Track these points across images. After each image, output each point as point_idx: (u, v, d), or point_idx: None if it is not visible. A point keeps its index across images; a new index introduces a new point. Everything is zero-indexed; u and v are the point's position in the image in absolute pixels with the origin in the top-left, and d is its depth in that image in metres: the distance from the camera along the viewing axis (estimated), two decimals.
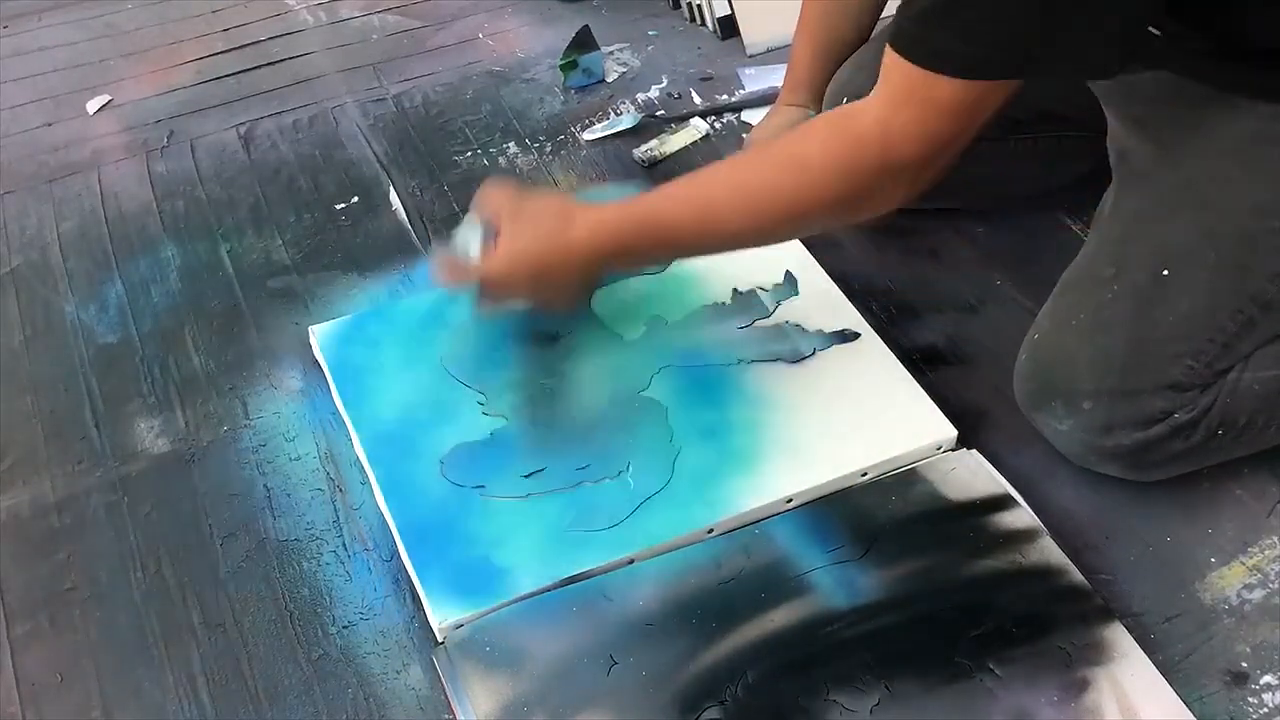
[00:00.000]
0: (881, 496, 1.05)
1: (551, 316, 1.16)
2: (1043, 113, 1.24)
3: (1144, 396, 0.99)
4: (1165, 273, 0.99)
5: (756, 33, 1.68)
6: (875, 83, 1.26)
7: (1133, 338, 1.00)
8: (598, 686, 0.93)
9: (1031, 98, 1.21)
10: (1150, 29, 0.97)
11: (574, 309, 1.14)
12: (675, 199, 1.04)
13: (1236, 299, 0.99)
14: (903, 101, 0.93)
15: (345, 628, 1.02)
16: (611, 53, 1.69)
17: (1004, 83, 0.91)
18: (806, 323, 1.19)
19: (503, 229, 1.06)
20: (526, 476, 1.07)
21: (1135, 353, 0.99)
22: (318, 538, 1.09)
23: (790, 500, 1.05)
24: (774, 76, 1.62)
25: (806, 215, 1.02)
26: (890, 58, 0.93)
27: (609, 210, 1.04)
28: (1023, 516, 1.03)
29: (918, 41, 0.91)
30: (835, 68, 1.32)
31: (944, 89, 0.90)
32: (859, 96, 1.26)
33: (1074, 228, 1.33)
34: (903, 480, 1.07)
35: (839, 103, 1.30)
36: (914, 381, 1.14)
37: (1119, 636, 0.95)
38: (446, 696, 0.96)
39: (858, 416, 1.11)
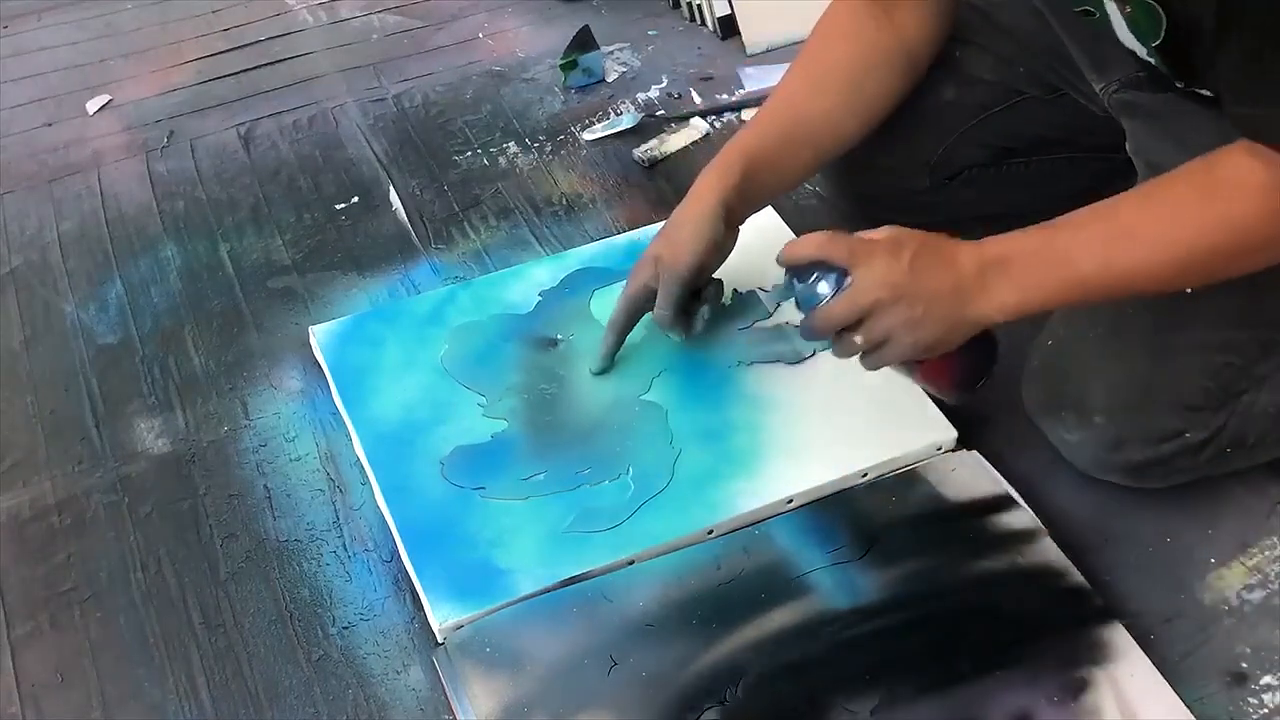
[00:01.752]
0: (882, 497, 1.05)
1: (944, 382, 1.03)
2: (1036, 140, 1.23)
3: (1158, 415, 0.99)
4: (1188, 290, 0.98)
5: (756, 33, 1.68)
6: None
7: (1151, 356, 0.99)
8: (598, 687, 0.93)
9: (1025, 127, 1.22)
10: (1201, 91, 0.97)
11: (960, 360, 0.99)
12: (1074, 225, 0.93)
13: (1258, 322, 0.98)
14: None
15: (345, 628, 1.02)
16: (611, 53, 1.69)
17: None
18: None
19: (885, 234, 0.96)
20: (527, 478, 1.07)
21: (1153, 371, 0.98)
22: (318, 538, 1.09)
23: (790, 501, 1.05)
24: (774, 76, 1.61)
25: (1231, 255, 0.89)
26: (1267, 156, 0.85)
27: (1003, 236, 0.94)
28: (1023, 517, 1.03)
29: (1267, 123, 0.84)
30: (781, 180, 1.15)
31: None
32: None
33: None
34: (903, 481, 1.07)
35: None
36: None
37: (1119, 636, 0.95)
38: (446, 697, 0.96)
39: (858, 417, 1.11)
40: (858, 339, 0.95)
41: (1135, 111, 1.08)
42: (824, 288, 0.95)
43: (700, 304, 1.13)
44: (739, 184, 1.07)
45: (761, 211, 1.31)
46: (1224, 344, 0.98)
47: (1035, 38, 1.17)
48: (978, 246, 0.93)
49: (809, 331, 0.98)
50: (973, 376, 1.01)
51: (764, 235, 1.29)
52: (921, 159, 1.23)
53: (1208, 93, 1.00)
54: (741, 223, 1.10)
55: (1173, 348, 0.98)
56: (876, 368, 0.98)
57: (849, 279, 0.94)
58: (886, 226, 0.97)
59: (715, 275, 1.13)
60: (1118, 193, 1.05)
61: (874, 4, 1.10)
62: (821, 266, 0.95)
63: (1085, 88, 1.14)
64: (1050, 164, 1.26)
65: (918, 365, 0.99)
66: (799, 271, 0.97)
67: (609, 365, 1.15)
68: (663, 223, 1.12)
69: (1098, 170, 1.16)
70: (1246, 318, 0.98)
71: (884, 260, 0.93)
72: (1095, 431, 1.01)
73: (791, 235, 1.29)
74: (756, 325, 1.20)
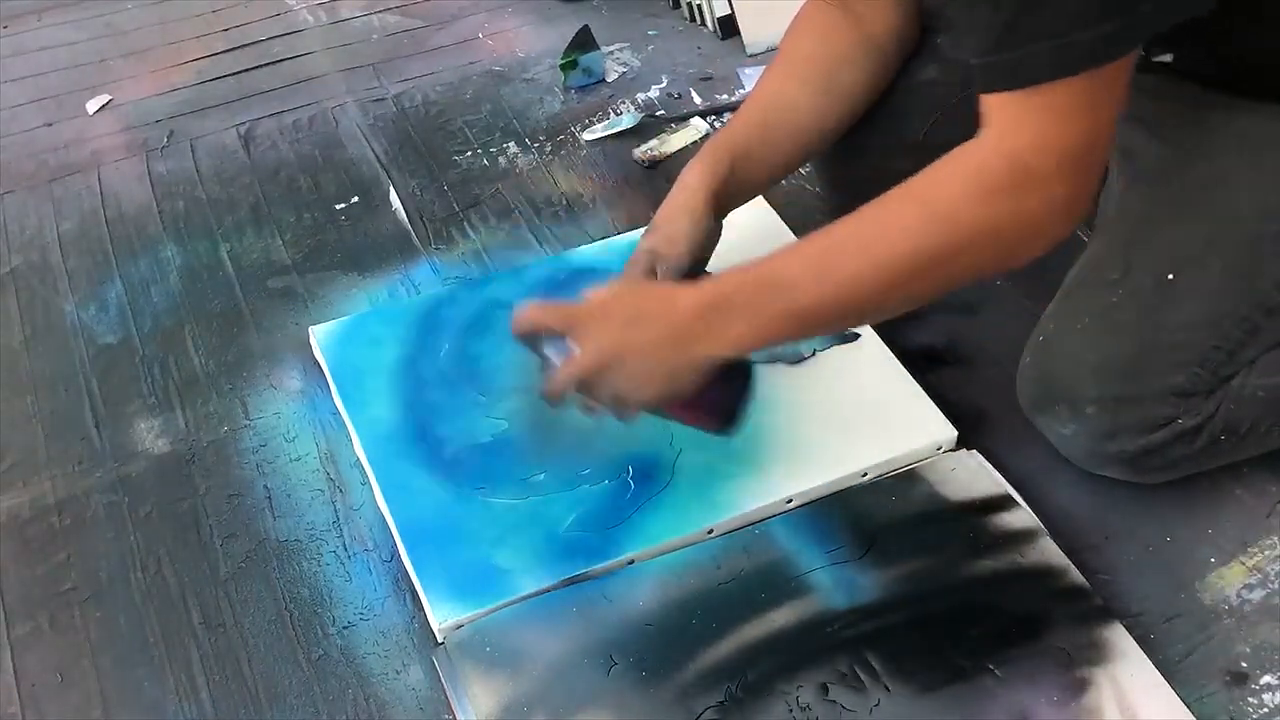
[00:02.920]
0: (881, 497, 1.05)
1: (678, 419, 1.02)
2: None
3: (1148, 402, 0.99)
4: (1171, 277, 0.99)
5: (756, 33, 1.68)
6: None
7: (1138, 343, 0.99)
8: (598, 686, 0.93)
9: None
10: (1159, 58, 0.97)
11: (699, 406, 0.98)
12: (788, 250, 0.94)
13: (1242, 305, 0.99)
14: (1018, 122, 0.85)
15: (345, 628, 1.02)
16: (611, 53, 1.69)
17: (1105, 72, 0.83)
18: None
19: (604, 290, 0.97)
20: (527, 478, 1.07)
21: (1140, 358, 0.99)
22: (318, 538, 1.09)
23: (790, 501, 1.05)
24: None
25: (940, 254, 0.89)
26: (985, 103, 0.87)
27: (720, 274, 0.96)
28: (1022, 517, 1.03)
29: (1005, 71, 0.84)
30: (759, 180, 1.14)
31: (1054, 94, 0.83)
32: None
33: None
34: (903, 480, 1.07)
35: None
36: (914, 381, 1.14)
37: (1119, 636, 0.95)
38: (446, 696, 0.96)
39: (858, 417, 1.11)
40: (592, 401, 0.97)
41: None
42: (552, 352, 0.96)
43: None
44: (726, 175, 1.08)
45: (758, 208, 1.32)
46: (1209, 328, 0.99)
47: None
48: (697, 289, 0.94)
49: (546, 397, 0.98)
50: (728, 408, 1.00)
51: (761, 232, 1.30)
52: (907, 139, 1.23)
53: (1166, 57, 1.00)
54: (726, 215, 1.11)
55: (1159, 334, 0.99)
56: (627, 419, 0.98)
57: (572, 345, 0.95)
58: (609, 284, 0.99)
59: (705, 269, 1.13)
60: (1110, 183, 1.07)
61: (838, 1, 1.13)
62: (548, 335, 0.97)
63: None
64: None
65: (671, 409, 0.99)
66: (530, 341, 0.98)
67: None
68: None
69: None
70: (1230, 301, 0.99)
71: (595, 326, 0.95)
72: (1088, 423, 1.01)
73: (788, 231, 1.30)
74: None
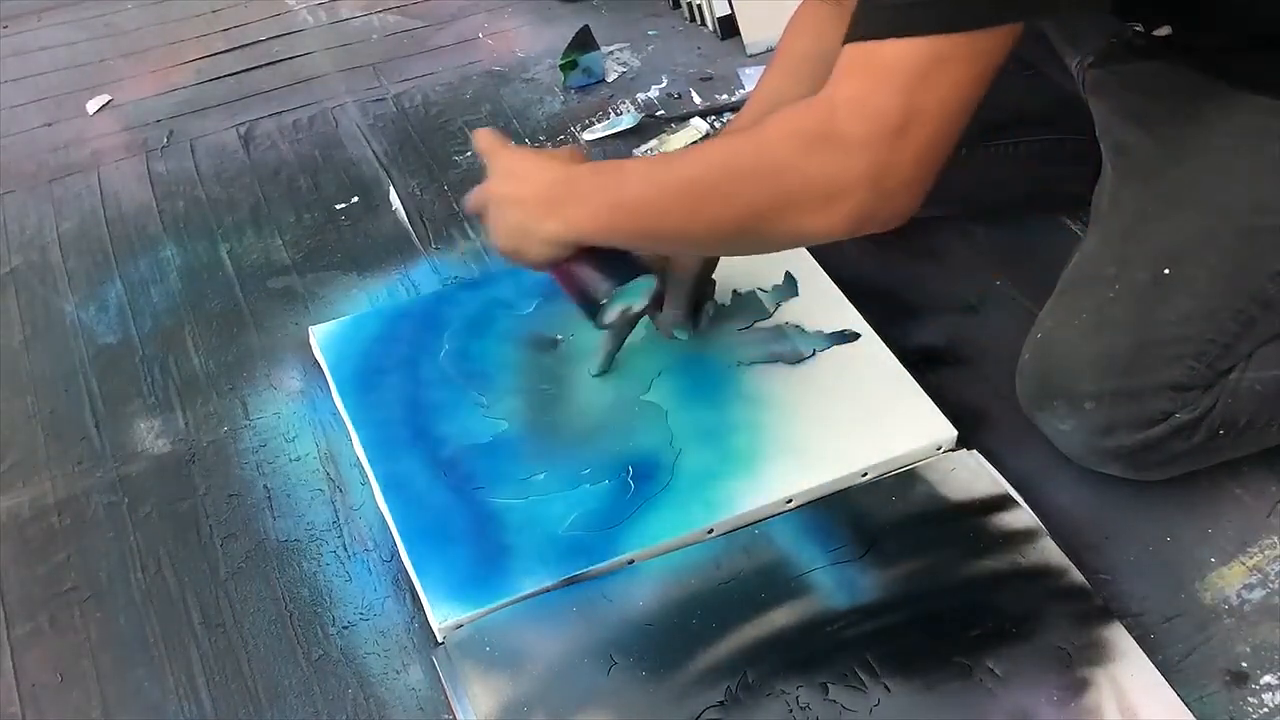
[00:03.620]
0: (881, 497, 1.05)
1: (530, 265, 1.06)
2: (1016, 114, 1.24)
3: (1146, 397, 0.99)
4: (1167, 271, 0.99)
5: (756, 33, 1.68)
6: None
7: (1135, 338, 1.00)
8: (598, 686, 0.93)
9: (1004, 98, 1.22)
10: (1157, 31, 0.97)
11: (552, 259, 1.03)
12: (642, 158, 1.01)
13: (1238, 298, 0.99)
14: (846, 75, 0.84)
15: (345, 628, 1.02)
16: (611, 53, 1.69)
17: (949, 44, 0.80)
18: (806, 323, 1.20)
19: (499, 158, 1.05)
20: (527, 478, 1.07)
21: (1137, 353, 0.99)
22: (318, 538, 1.09)
23: (790, 501, 1.05)
24: None
25: (743, 178, 0.89)
26: (841, 54, 0.86)
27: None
28: (1022, 517, 1.03)
29: (855, 22, 0.84)
30: None
31: (883, 53, 0.81)
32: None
33: (1073, 227, 1.33)
34: (903, 480, 1.07)
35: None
36: (914, 381, 1.14)
37: (1119, 636, 0.95)
38: (446, 696, 0.96)
39: (858, 417, 1.11)
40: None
41: (1106, 90, 1.09)
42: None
43: (704, 300, 1.16)
44: None
45: None
46: (1206, 322, 0.99)
47: None
48: (565, 165, 1.00)
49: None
50: (589, 290, 1.04)
51: None
52: None
53: (1164, 30, 1.00)
54: None
55: (1156, 328, 0.99)
56: (509, 264, 1.06)
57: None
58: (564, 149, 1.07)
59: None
60: (1103, 178, 1.07)
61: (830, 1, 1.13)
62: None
63: (1058, 65, 1.16)
64: (1039, 145, 1.27)
65: (555, 272, 1.06)
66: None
67: (609, 367, 1.15)
68: None
69: (1088, 153, 1.16)
70: (1227, 295, 0.99)
71: (490, 166, 1.04)
72: (1086, 418, 1.01)
73: None
74: (756, 325, 1.20)
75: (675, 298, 1.13)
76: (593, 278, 1.04)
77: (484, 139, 1.07)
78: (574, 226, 0.98)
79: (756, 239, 0.94)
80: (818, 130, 0.84)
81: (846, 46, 0.84)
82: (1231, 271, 0.99)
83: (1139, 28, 1.01)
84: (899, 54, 0.80)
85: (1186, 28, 1.01)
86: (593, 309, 1.06)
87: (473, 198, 1.06)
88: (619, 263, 1.04)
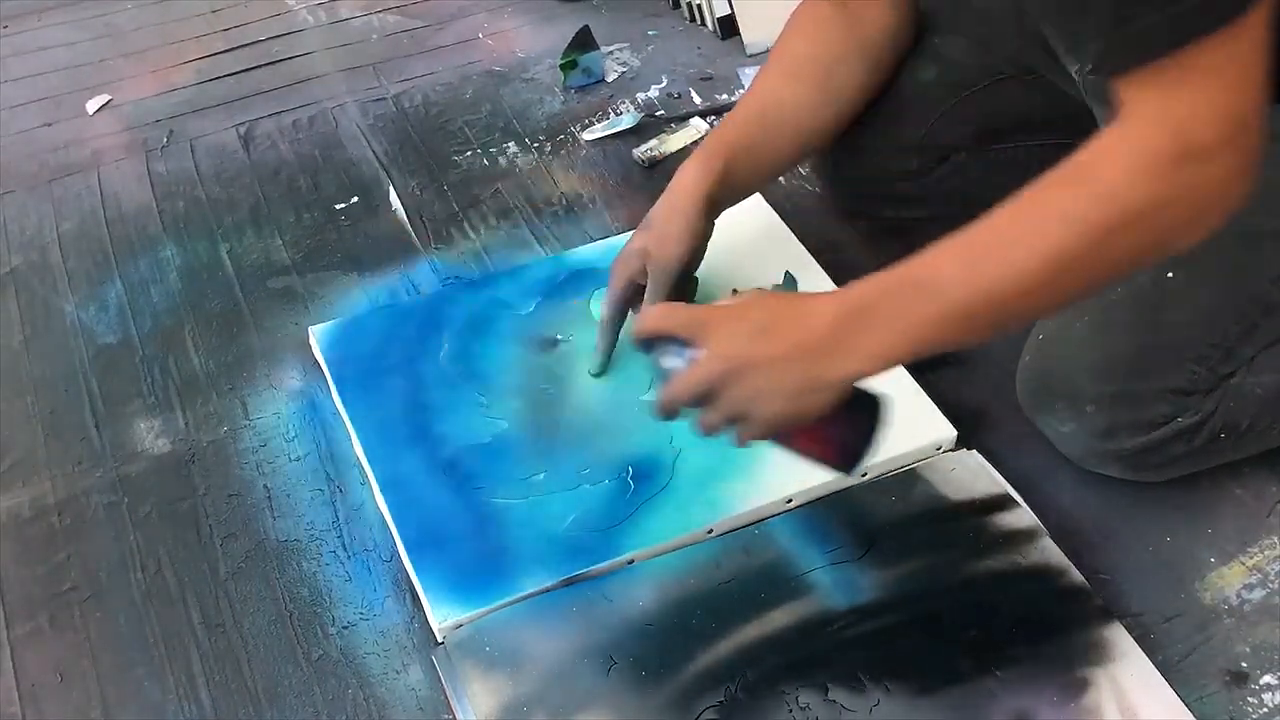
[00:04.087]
0: (881, 497, 1.05)
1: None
2: (1019, 120, 1.24)
3: (1147, 400, 0.99)
4: (1169, 275, 0.99)
5: (756, 33, 1.68)
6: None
7: (1136, 341, 0.99)
8: (597, 686, 0.93)
9: (1007, 106, 1.22)
10: None
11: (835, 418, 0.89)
12: (933, 250, 0.84)
13: (1239, 302, 0.99)
14: (1171, 89, 0.78)
15: (345, 628, 1.02)
16: (611, 53, 1.69)
17: (1242, 24, 0.76)
18: None
19: (738, 297, 0.92)
20: (527, 478, 1.07)
21: (1139, 357, 0.99)
22: (318, 538, 1.09)
23: (790, 500, 1.05)
24: None
25: (1103, 238, 0.80)
26: (1120, 86, 0.80)
27: (858, 282, 0.87)
28: (1023, 517, 1.03)
29: (1143, 40, 0.77)
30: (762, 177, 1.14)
31: (1199, 58, 0.76)
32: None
33: None
34: (903, 480, 1.07)
35: None
36: (914, 382, 1.14)
37: (1119, 636, 0.95)
38: (446, 696, 0.96)
39: None
40: (711, 417, 0.90)
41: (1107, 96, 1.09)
42: (669, 362, 0.90)
43: (685, 299, 1.13)
44: (721, 176, 1.08)
45: (759, 210, 1.32)
46: (1208, 326, 0.99)
47: (1009, 21, 1.18)
48: (837, 296, 0.87)
49: (660, 409, 0.92)
50: (853, 444, 0.92)
51: (762, 234, 1.30)
52: (907, 140, 1.24)
53: None
54: (719, 214, 1.11)
55: (1158, 332, 0.99)
56: (744, 444, 0.92)
57: (695, 352, 0.88)
58: (746, 292, 0.93)
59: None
60: None
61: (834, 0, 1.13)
62: (672, 339, 0.90)
63: (1061, 71, 1.15)
64: (1040, 150, 1.26)
65: (792, 438, 0.92)
66: (650, 345, 0.92)
67: (606, 366, 1.15)
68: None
69: None
70: (1228, 298, 0.99)
71: (725, 330, 0.88)
72: (1087, 421, 1.01)
73: (787, 231, 1.29)
74: None
75: (655, 291, 1.08)
76: (854, 425, 0.91)
77: (653, 314, 0.92)
78: (881, 356, 0.86)
79: (1129, 275, 0.89)
80: (1171, 154, 0.79)
81: (1141, 72, 0.78)
82: (1234, 275, 0.98)
83: None
84: (1214, 52, 0.76)
85: None
86: (857, 459, 0.92)
87: (690, 382, 0.89)
88: (861, 399, 0.90)
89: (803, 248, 1.27)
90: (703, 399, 0.89)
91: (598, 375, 1.15)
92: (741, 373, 0.87)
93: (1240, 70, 0.77)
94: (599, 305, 1.21)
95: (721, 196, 1.10)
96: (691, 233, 1.08)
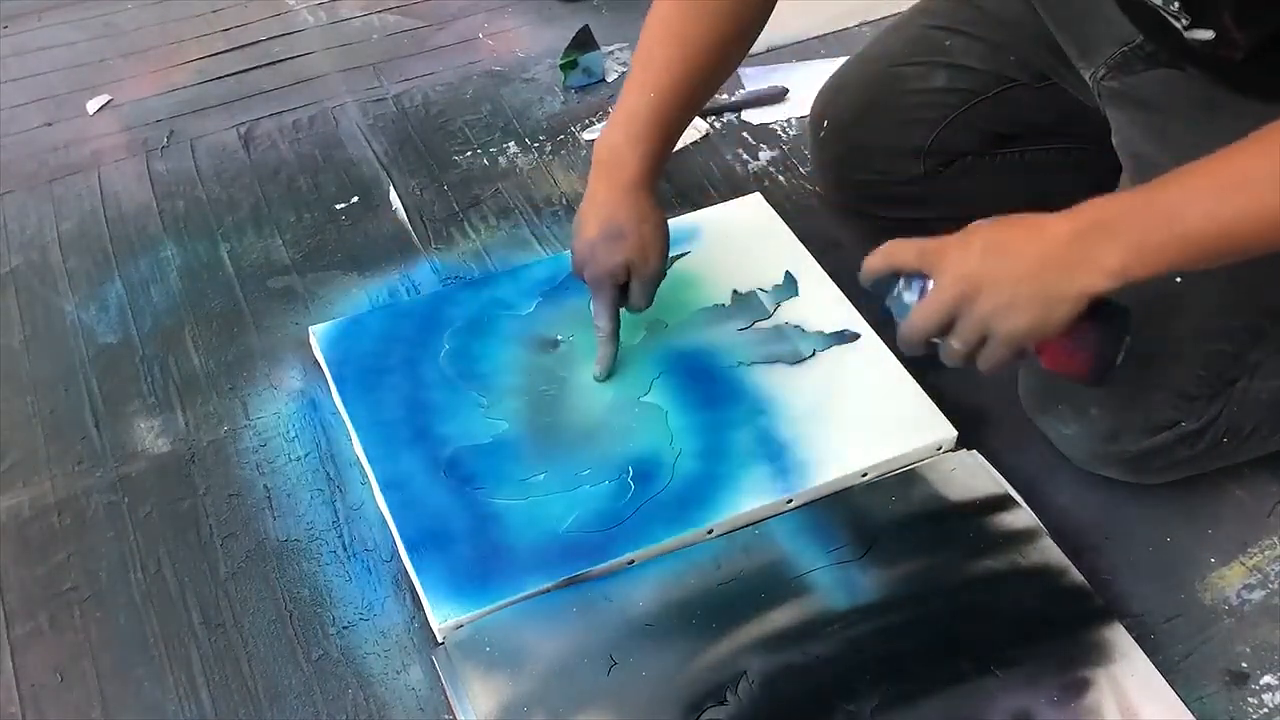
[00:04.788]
0: (881, 497, 1.05)
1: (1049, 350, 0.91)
2: (1028, 127, 1.24)
3: (1152, 404, 0.99)
4: (1176, 280, 0.99)
5: None
6: (858, 104, 1.21)
7: (1143, 345, 0.99)
8: (598, 687, 0.93)
9: (1016, 113, 1.22)
10: (1199, 33, 0.94)
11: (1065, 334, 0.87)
12: (1174, 174, 0.83)
13: (1248, 308, 0.99)
14: None
15: (345, 628, 1.02)
16: (611, 52, 1.69)
17: None
18: (806, 323, 1.19)
19: (946, 248, 0.90)
20: (527, 479, 1.07)
21: (1145, 360, 0.99)
22: (318, 538, 1.09)
23: (790, 500, 1.05)
24: (774, 76, 1.62)
25: None
26: None
27: (1093, 201, 0.86)
28: (1023, 517, 1.03)
29: None
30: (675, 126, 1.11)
31: None
32: (840, 120, 1.24)
33: None
34: (903, 480, 1.07)
35: (820, 126, 1.29)
36: (914, 381, 1.14)
37: (1119, 636, 0.95)
38: (446, 696, 0.96)
39: (858, 416, 1.11)
40: (955, 343, 0.89)
41: (1122, 101, 1.08)
42: (908, 297, 0.91)
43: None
44: (660, 163, 1.09)
45: (759, 210, 1.32)
46: (1215, 331, 0.99)
47: (1024, 26, 1.18)
48: (1071, 214, 0.85)
49: (905, 345, 0.93)
50: (1103, 355, 0.90)
51: (762, 234, 1.30)
52: (915, 145, 1.24)
53: (1207, 34, 0.94)
54: None
55: (1165, 336, 0.99)
56: (995, 370, 0.90)
57: (929, 282, 0.89)
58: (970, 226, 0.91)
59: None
60: (1116, 187, 1.06)
61: None
62: (904, 275, 0.91)
63: (1073, 77, 1.15)
64: (1045, 154, 1.26)
65: (1040, 354, 0.90)
66: (882, 285, 0.93)
67: (611, 372, 1.15)
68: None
69: (1094, 162, 1.16)
70: (1237, 304, 0.99)
71: (955, 253, 0.88)
72: (1091, 424, 1.01)
73: (789, 233, 1.29)
74: (756, 325, 1.20)
75: (643, 295, 1.10)
76: (1103, 336, 0.90)
77: (880, 255, 0.93)
78: (1119, 274, 0.84)
79: None
80: None
81: None
82: (1242, 282, 0.97)
83: (1185, 21, 0.97)
84: None
85: (1226, 38, 0.99)
86: (1108, 371, 0.92)
87: (930, 310, 0.89)
88: (1109, 308, 0.88)
89: (803, 248, 1.27)
90: (944, 326, 0.88)
91: (603, 380, 1.15)
92: (980, 291, 0.86)
93: None
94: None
95: (660, 175, 1.11)
96: (664, 234, 1.09)
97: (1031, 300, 0.85)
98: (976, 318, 0.87)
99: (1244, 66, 0.97)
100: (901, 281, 0.91)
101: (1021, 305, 0.85)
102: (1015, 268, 0.85)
